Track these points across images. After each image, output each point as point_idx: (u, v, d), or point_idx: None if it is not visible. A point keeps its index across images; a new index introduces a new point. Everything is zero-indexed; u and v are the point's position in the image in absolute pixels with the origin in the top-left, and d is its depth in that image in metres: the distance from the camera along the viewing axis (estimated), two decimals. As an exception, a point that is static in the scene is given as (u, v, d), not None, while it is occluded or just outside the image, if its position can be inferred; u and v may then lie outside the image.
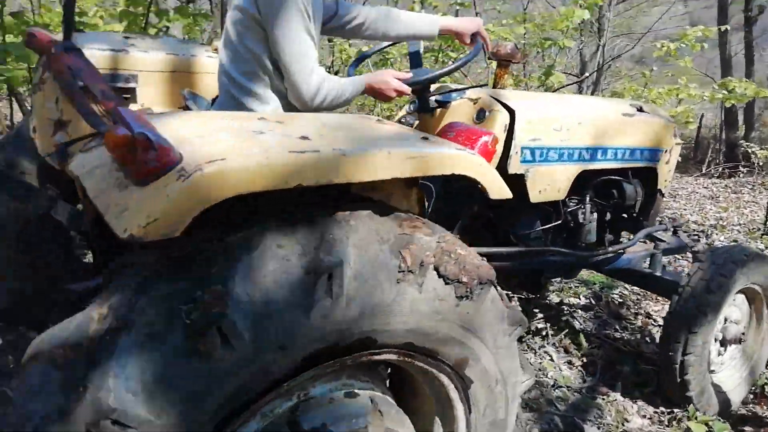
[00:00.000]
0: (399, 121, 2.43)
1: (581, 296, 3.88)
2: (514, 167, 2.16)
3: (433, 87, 2.31)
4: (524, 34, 6.51)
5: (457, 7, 6.22)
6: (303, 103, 1.82)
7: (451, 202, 2.44)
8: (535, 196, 2.27)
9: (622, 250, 2.73)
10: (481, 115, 2.16)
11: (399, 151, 1.18)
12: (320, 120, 1.38)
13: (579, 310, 3.67)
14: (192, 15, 4.30)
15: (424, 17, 2.32)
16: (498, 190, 1.39)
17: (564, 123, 2.29)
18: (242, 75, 1.85)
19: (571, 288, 3.98)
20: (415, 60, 2.27)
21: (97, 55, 2.02)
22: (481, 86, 2.29)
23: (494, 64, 2.71)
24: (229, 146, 1.08)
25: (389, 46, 2.53)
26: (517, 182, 2.22)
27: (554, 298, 3.80)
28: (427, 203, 2.43)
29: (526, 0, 10.19)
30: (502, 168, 2.15)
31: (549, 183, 2.29)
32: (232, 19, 1.84)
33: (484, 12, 6.78)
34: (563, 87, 6.70)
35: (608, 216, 2.73)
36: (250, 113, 1.54)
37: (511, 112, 2.15)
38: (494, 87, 2.62)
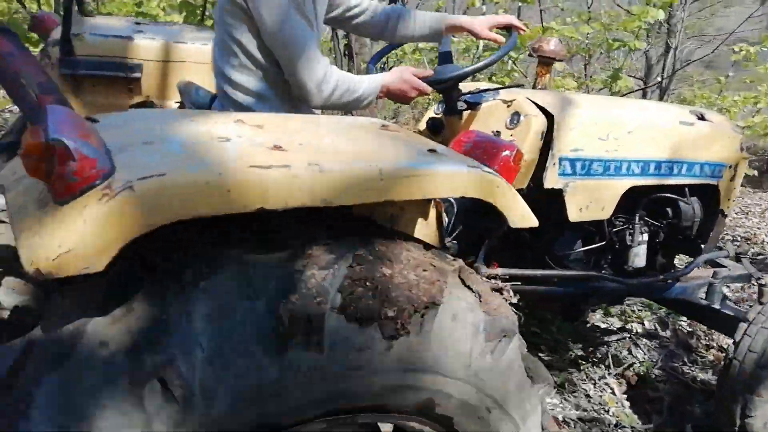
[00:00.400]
0: (426, 124, 2.18)
1: (645, 321, 3.50)
2: (551, 181, 1.88)
3: (465, 87, 2.05)
4: (587, 34, 6.09)
5: (519, 4, 5.83)
6: (308, 93, 1.59)
7: (477, 218, 2.18)
8: (575, 214, 1.98)
9: (675, 278, 2.40)
10: (514, 120, 1.89)
11: (394, 168, 0.93)
12: (312, 124, 1.15)
13: (643, 338, 3.31)
14: None
15: (433, 15, 2.10)
16: (520, 217, 1.13)
17: (611, 131, 1.99)
18: (233, 69, 1.64)
19: (634, 311, 3.59)
20: (444, 60, 2.02)
21: (99, 41, 1.87)
22: (516, 86, 2.01)
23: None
24: (176, 157, 0.86)
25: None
26: (554, 198, 1.94)
27: (615, 322, 3.44)
28: (447, 221, 2.18)
29: (591, -3, 9.70)
30: (537, 181, 1.88)
31: (592, 200, 2.00)
32: (219, 7, 1.64)
33: (547, 9, 6.33)
34: (630, 93, 6.25)
35: (661, 238, 2.40)
36: (228, 114, 1.32)
37: (550, 118, 1.87)
38: (534, 87, 2.34)
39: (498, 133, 1.91)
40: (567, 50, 7.25)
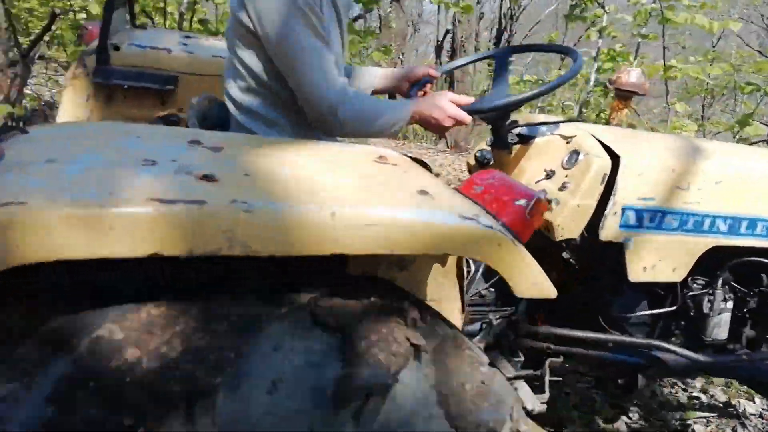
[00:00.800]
0: (475, 156, 1.97)
1: (755, 398, 2.96)
2: (610, 233, 1.61)
3: (527, 119, 1.83)
4: (709, 75, 5.54)
5: (639, 39, 5.40)
6: (321, 118, 1.44)
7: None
8: (636, 273, 1.68)
9: (760, 358, 2.01)
10: (572, 159, 1.65)
11: (353, 214, 0.75)
12: (288, 151, 1.00)
13: (752, 418, 2.81)
14: (358, 32, 4.18)
15: (374, 70, 1.95)
16: (529, 285, 0.90)
17: (694, 180, 1.68)
18: (241, 92, 1.51)
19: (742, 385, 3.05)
20: (498, 86, 1.78)
21: (136, 52, 1.85)
22: (579, 120, 1.77)
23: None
24: (67, 181, 0.72)
25: (469, 62, 2.03)
26: (613, 252, 1.66)
27: (719, 395, 2.97)
28: (471, 269, 1.95)
29: (716, 37, 8.93)
30: (592, 231, 1.62)
31: (661, 258, 1.70)
32: (227, 29, 1.52)
33: (669, 47, 5.81)
34: (760, 141, 5.60)
35: (751, 308, 2.02)
36: (190, 131, 1.17)
37: (615, 159, 1.61)
38: (608, 123, 2.06)
39: (552, 172, 1.67)
40: (686, 90, 6.63)
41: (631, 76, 1.94)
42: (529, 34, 15.55)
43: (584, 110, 5.67)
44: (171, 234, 0.67)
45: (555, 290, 0.95)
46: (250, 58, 1.45)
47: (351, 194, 0.80)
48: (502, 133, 1.71)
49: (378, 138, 1.60)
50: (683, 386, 2.86)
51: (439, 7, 10.77)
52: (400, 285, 1.31)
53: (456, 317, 1.38)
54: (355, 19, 5.92)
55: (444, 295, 1.36)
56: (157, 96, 1.88)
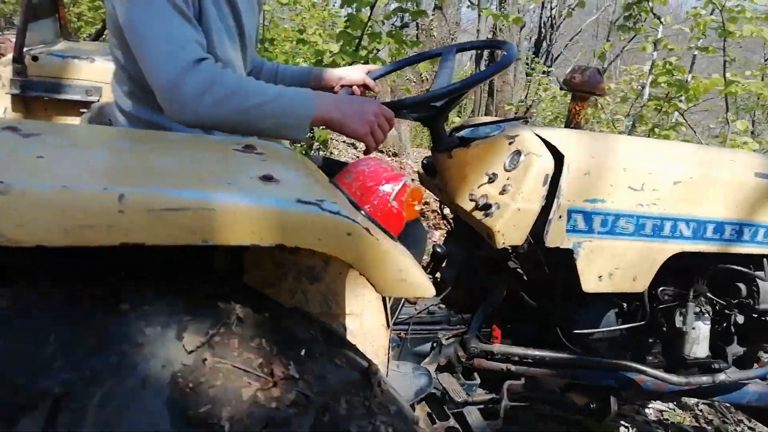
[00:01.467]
0: (422, 164, 1.85)
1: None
2: (556, 238, 1.47)
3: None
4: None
5: (695, 52, 5.22)
6: (162, 101, 1.11)
7: (475, 274, 1.79)
8: (591, 282, 1.53)
9: (746, 378, 1.82)
10: (514, 161, 1.52)
11: (146, 196, 0.64)
12: (126, 138, 0.89)
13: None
14: (401, 41, 4.17)
15: (300, 69, 1.80)
16: (392, 281, 0.77)
17: (649, 180, 1.54)
18: (124, 96, 1.33)
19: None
20: (441, 80, 1.65)
21: (55, 62, 1.79)
22: (522, 119, 1.65)
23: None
24: None
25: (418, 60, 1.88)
26: (563, 260, 1.52)
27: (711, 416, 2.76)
28: (443, 276, 1.78)
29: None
30: (536, 236, 1.48)
31: (617, 266, 1.55)
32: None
33: (718, 59, 5.58)
34: None
35: (733, 323, 1.84)
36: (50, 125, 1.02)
37: (559, 158, 1.48)
38: (567, 126, 1.94)
39: (495, 175, 1.55)
40: (739, 106, 6.32)
41: (585, 75, 1.82)
42: (569, 44, 15.34)
43: (637, 125, 5.45)
44: None
45: (432, 288, 0.81)
46: (118, 51, 1.28)
47: (156, 178, 0.69)
48: (440, 135, 1.59)
49: (258, 135, 1.13)
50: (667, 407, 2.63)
51: (479, 15, 10.71)
52: (312, 299, 1.19)
53: (380, 333, 1.25)
54: (402, 26, 5.88)
55: (365, 308, 1.23)
56: (80, 107, 1.81)
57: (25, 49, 1.77)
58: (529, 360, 1.71)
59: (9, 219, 0.58)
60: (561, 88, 2.08)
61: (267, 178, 0.76)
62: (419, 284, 0.79)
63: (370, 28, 3.98)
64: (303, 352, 0.74)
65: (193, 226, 0.64)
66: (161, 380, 0.63)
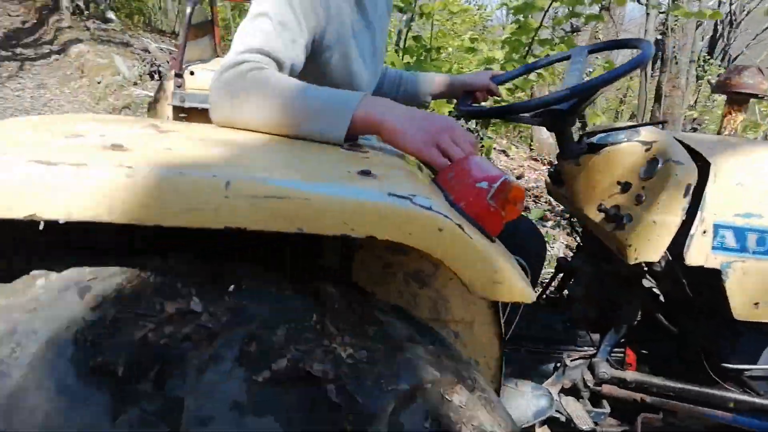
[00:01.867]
0: (549, 173, 1.76)
1: None
2: (698, 256, 1.30)
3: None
4: None
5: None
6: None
7: (604, 293, 1.65)
8: (744, 309, 1.34)
9: None
10: (650, 169, 1.39)
11: (251, 183, 0.67)
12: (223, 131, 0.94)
13: None
14: (574, 45, 4.19)
15: (439, 76, 1.78)
16: (486, 281, 0.73)
17: (821, 193, 1.32)
18: None
19: None
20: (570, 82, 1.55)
21: (211, 77, 1.99)
22: (659, 123, 1.50)
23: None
24: None
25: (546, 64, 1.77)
26: (710, 282, 1.35)
27: None
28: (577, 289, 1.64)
29: None
30: (675, 255, 1.33)
31: (777, 291, 1.34)
32: None
33: None
34: None
35: None
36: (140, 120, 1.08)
37: (703, 167, 1.32)
38: (719, 133, 1.73)
39: (628, 184, 1.43)
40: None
41: (744, 75, 1.61)
42: (752, 42, 13.10)
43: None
44: (46, 196, 0.64)
45: (532, 294, 0.75)
46: None
47: (262, 169, 0.72)
48: (567, 141, 1.50)
49: (307, 137, 0.99)
50: None
51: (647, 14, 10.04)
52: (421, 303, 1.18)
53: (493, 344, 1.20)
54: (572, 31, 5.79)
55: (476, 317, 1.20)
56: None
57: (184, 65, 2.02)
58: (670, 393, 1.54)
59: (135, 199, 0.65)
60: (713, 91, 1.86)
61: (365, 173, 0.77)
62: (517, 288, 0.74)
63: (538, 36, 3.84)
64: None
65: (290, 215, 0.67)
66: None
